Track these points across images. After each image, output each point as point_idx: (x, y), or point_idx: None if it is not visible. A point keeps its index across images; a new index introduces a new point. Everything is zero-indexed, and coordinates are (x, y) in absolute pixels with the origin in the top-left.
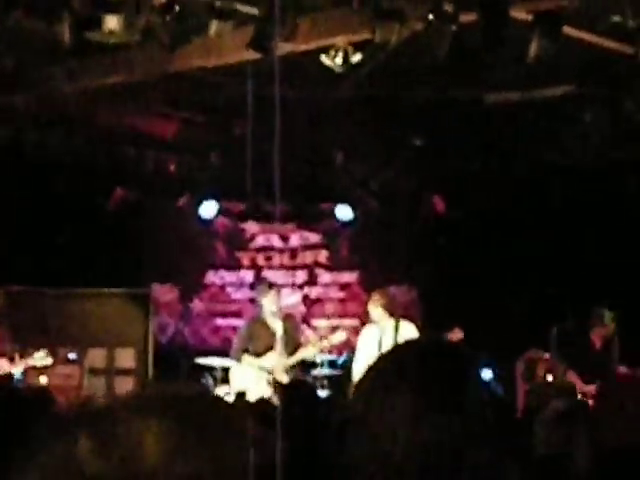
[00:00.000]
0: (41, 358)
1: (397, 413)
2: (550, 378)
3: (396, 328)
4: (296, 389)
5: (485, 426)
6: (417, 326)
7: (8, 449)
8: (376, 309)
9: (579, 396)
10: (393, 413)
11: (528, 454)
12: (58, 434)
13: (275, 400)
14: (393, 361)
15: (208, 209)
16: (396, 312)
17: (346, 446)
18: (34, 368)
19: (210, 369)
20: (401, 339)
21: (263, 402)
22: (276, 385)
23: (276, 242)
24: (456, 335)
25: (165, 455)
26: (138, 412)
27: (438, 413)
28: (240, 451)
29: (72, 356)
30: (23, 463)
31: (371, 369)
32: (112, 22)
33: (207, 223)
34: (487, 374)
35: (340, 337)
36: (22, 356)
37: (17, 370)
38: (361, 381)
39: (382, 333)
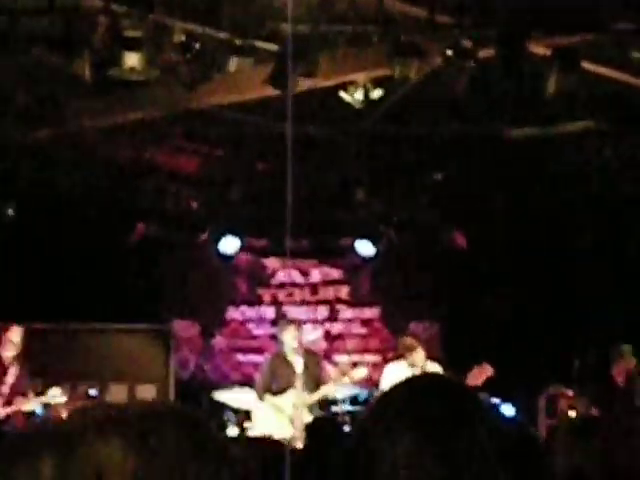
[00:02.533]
0: (54, 396)
1: (397, 450)
2: (573, 413)
3: (424, 366)
4: (319, 427)
5: (488, 464)
6: (438, 361)
7: None
8: (420, 351)
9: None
10: (393, 450)
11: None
12: (19, 457)
13: (299, 438)
14: (397, 395)
15: (229, 245)
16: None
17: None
18: (50, 405)
19: (234, 411)
20: None
21: (272, 442)
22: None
23: (297, 278)
24: (485, 372)
25: (132, 475)
26: (101, 433)
27: (438, 451)
28: (215, 468)
29: (93, 392)
30: None
31: (374, 406)
32: (132, 59)
33: (228, 259)
34: (509, 410)
35: (361, 373)
36: (37, 393)
37: (34, 407)
38: (365, 417)
39: (410, 369)
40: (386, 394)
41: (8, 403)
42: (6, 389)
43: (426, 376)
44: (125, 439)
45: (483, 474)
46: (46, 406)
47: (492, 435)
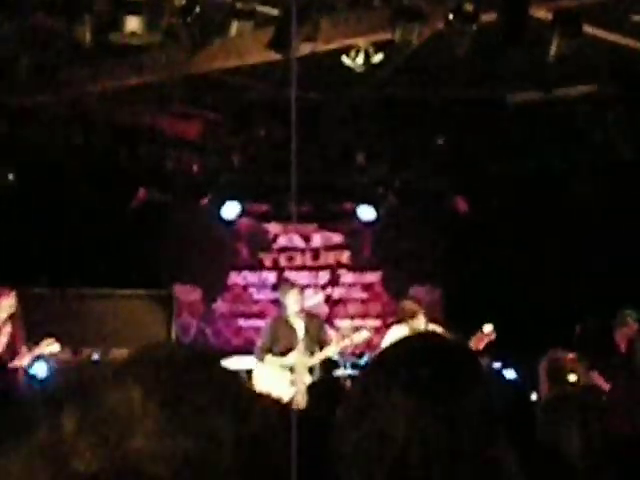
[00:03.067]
0: (49, 344)
1: (394, 410)
2: (572, 377)
3: (426, 329)
4: (323, 387)
5: (485, 422)
6: (441, 325)
7: None
8: (421, 316)
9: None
10: (390, 410)
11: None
12: (43, 412)
13: (299, 400)
14: (396, 354)
15: (230, 210)
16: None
17: (347, 442)
18: (44, 356)
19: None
20: None
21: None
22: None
23: (298, 243)
24: (487, 335)
25: (151, 436)
26: (124, 382)
27: (436, 409)
28: (236, 422)
29: (95, 357)
30: (5, 449)
31: (373, 364)
32: (133, 23)
33: (229, 224)
34: (511, 373)
35: (363, 335)
36: (30, 348)
37: (25, 361)
38: (359, 378)
39: (412, 332)
40: (383, 353)
41: (8, 360)
42: (0, 349)
43: (423, 335)
44: (143, 387)
45: (481, 434)
46: (40, 357)
47: (489, 396)
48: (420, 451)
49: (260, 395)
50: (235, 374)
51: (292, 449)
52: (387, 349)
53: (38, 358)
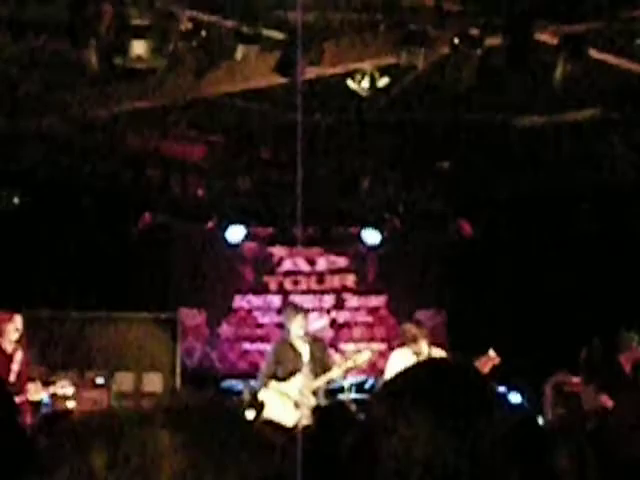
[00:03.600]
0: (63, 387)
1: (414, 433)
2: (578, 401)
3: (428, 353)
4: (330, 412)
5: (502, 446)
6: (444, 349)
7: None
8: (424, 340)
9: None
10: (413, 431)
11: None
12: (72, 448)
13: (304, 423)
14: (412, 380)
15: (235, 233)
16: (427, 337)
17: (363, 468)
18: (57, 395)
19: (237, 393)
20: None
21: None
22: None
23: (303, 266)
24: (492, 360)
25: (180, 473)
26: (153, 425)
27: (454, 437)
28: (258, 468)
29: (100, 380)
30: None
31: (387, 388)
32: (139, 47)
33: (234, 247)
34: (516, 397)
35: (365, 356)
36: (45, 384)
37: (41, 396)
38: (377, 399)
39: (415, 357)
40: (399, 377)
41: (17, 393)
42: (14, 377)
43: (439, 360)
44: (177, 434)
45: (497, 458)
46: (53, 396)
47: (502, 420)
48: (440, 476)
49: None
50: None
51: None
52: (400, 374)
53: (51, 397)
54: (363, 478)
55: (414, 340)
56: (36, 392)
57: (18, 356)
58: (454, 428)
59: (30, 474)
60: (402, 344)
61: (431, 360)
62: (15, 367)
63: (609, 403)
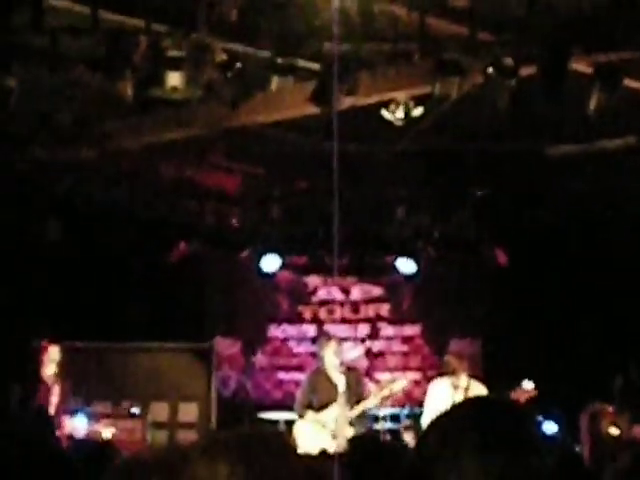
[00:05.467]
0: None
1: (462, 469)
2: (615, 431)
3: (467, 386)
4: (361, 441)
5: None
6: (479, 379)
7: None
8: (463, 372)
9: None
10: (460, 474)
11: None
12: None
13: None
14: (456, 421)
15: (270, 262)
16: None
17: None
18: (96, 419)
19: (273, 423)
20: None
21: (323, 455)
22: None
23: (338, 295)
24: (529, 392)
25: None
26: (207, 457)
27: (505, 474)
28: None
29: (135, 410)
30: None
31: (434, 428)
32: (174, 78)
33: (269, 277)
34: (552, 427)
35: (400, 385)
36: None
37: (80, 430)
38: (425, 439)
39: (454, 388)
40: (446, 415)
41: (57, 424)
42: (52, 410)
43: (486, 399)
44: (230, 464)
45: None
46: (93, 433)
47: (549, 457)
48: None
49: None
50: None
51: None
52: (448, 412)
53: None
54: None
55: (454, 372)
56: (73, 425)
57: (56, 389)
58: (504, 466)
59: None
60: (442, 375)
61: (479, 398)
62: (54, 399)
63: None
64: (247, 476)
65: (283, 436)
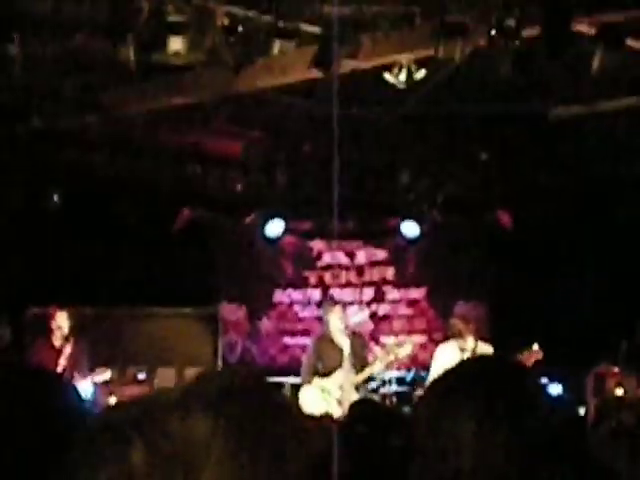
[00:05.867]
0: (100, 373)
1: (464, 431)
2: (620, 392)
3: (474, 348)
4: (360, 407)
5: (549, 445)
6: (486, 341)
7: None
8: (470, 335)
9: None
10: (460, 431)
11: (590, 468)
12: (110, 447)
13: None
14: (459, 379)
15: (274, 228)
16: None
17: (412, 462)
18: (101, 385)
19: (279, 387)
20: None
21: (327, 417)
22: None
23: (343, 259)
24: (535, 355)
25: (219, 462)
26: (182, 411)
27: (504, 433)
28: (299, 451)
29: (141, 376)
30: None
31: (436, 386)
32: (176, 44)
33: (274, 242)
34: (557, 389)
35: (407, 350)
36: (84, 375)
37: (87, 386)
38: (426, 397)
39: (460, 351)
40: (446, 376)
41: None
42: (61, 371)
43: (487, 358)
44: (209, 417)
45: (547, 455)
46: (95, 385)
47: (552, 417)
48: (487, 475)
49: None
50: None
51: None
52: (447, 373)
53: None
54: (413, 468)
55: (460, 335)
56: (80, 385)
57: (66, 352)
58: (501, 428)
59: (71, 475)
60: (448, 338)
61: (478, 358)
62: (63, 362)
63: None
64: (230, 433)
65: (272, 387)
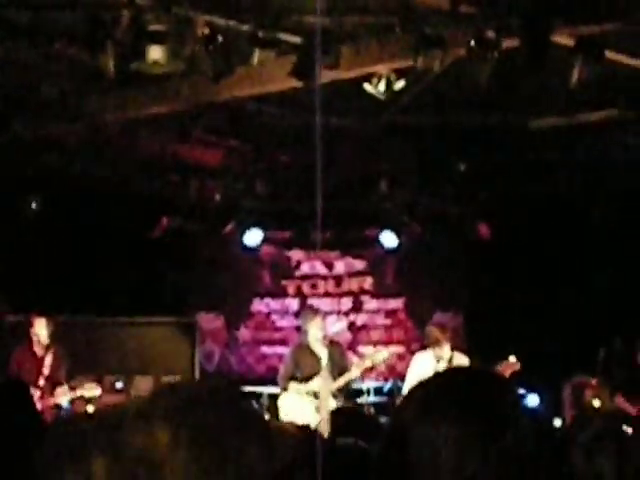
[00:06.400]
0: (91, 388)
1: (441, 442)
2: (597, 403)
3: (450, 358)
4: (344, 416)
5: (526, 457)
6: (462, 352)
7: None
8: (446, 343)
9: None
10: (438, 443)
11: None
12: (71, 455)
13: (324, 426)
14: (437, 390)
15: (253, 237)
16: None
17: (391, 474)
18: (82, 398)
19: (257, 396)
20: None
21: (305, 428)
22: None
23: (321, 269)
24: (512, 365)
25: (183, 468)
26: (143, 420)
27: (482, 444)
28: (260, 459)
29: (119, 385)
30: None
31: (414, 394)
32: (156, 53)
33: (252, 251)
34: (534, 400)
35: (382, 356)
36: (72, 387)
37: (65, 400)
38: (404, 406)
39: (436, 360)
40: (427, 382)
41: (49, 394)
42: (43, 381)
43: (467, 368)
44: (170, 427)
45: (523, 467)
46: (76, 399)
47: (530, 430)
48: None
49: (286, 425)
50: (258, 398)
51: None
52: (428, 380)
53: (78, 399)
54: None
55: (437, 344)
56: (63, 395)
57: (48, 360)
58: (482, 436)
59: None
60: (424, 347)
61: (457, 369)
62: (45, 371)
63: (625, 405)
64: (192, 442)
65: (239, 397)
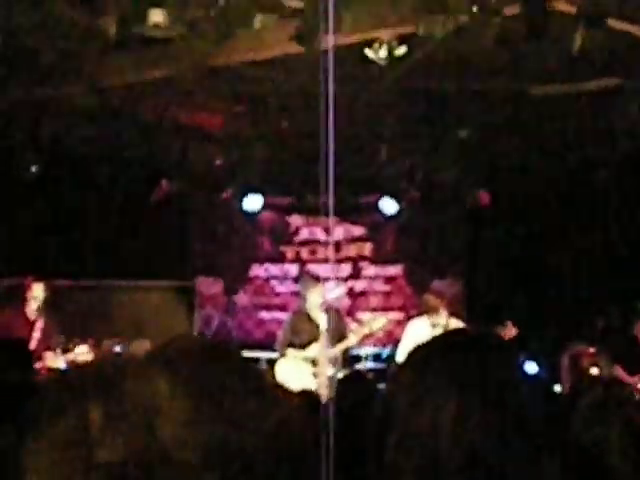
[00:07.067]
0: (82, 353)
1: (440, 409)
2: (595, 371)
3: (446, 324)
4: (350, 382)
5: (527, 423)
6: (461, 319)
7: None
8: (443, 310)
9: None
10: (436, 409)
11: (569, 446)
12: (68, 401)
13: (322, 392)
14: (434, 350)
15: (253, 202)
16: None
17: (387, 441)
18: (74, 362)
19: (255, 361)
20: None
21: (306, 393)
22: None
23: (320, 235)
24: (509, 332)
25: (180, 421)
26: (143, 371)
27: (482, 410)
28: (260, 412)
29: (117, 348)
30: (32, 439)
31: (410, 358)
32: (157, 16)
33: (252, 216)
34: (532, 367)
35: (381, 322)
36: (64, 350)
37: (59, 363)
38: (401, 373)
39: (432, 327)
40: (423, 346)
41: (37, 358)
42: (34, 344)
43: (465, 330)
44: (169, 377)
45: (525, 426)
46: (71, 363)
47: (533, 392)
48: (467, 447)
49: (282, 386)
50: (256, 364)
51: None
52: (425, 344)
53: (69, 364)
54: (388, 449)
55: (434, 310)
56: (55, 359)
57: (39, 324)
58: (482, 398)
59: (27, 427)
60: (421, 314)
61: (457, 330)
62: (36, 335)
63: (623, 374)
64: (188, 392)
65: (235, 350)
